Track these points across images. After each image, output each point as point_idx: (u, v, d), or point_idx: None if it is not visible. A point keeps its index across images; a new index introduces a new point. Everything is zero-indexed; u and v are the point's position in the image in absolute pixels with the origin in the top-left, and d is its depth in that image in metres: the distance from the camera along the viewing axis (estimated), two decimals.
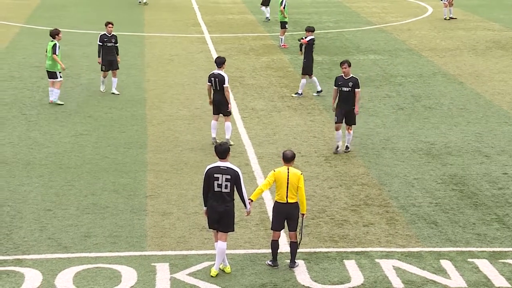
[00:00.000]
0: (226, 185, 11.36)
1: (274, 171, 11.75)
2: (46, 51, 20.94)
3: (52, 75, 20.74)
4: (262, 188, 11.74)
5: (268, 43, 29.91)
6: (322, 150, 17.52)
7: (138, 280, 11.41)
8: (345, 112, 16.87)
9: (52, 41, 20.76)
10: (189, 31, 32.53)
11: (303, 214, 11.82)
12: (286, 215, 11.70)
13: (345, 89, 16.76)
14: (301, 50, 22.55)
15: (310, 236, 12.94)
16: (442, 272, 11.82)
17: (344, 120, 16.93)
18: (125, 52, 27.93)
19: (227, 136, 17.42)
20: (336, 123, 16.93)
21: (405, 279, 11.58)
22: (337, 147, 16.98)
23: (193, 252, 12.34)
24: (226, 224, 11.51)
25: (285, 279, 11.52)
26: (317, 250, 12.47)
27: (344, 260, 12.12)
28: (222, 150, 11.49)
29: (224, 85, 17.19)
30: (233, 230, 11.71)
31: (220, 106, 17.43)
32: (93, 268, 11.75)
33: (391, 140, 18.25)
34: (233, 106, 21.01)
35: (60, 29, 21.48)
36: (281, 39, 29.03)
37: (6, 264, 11.85)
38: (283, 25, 28.88)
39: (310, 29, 22.40)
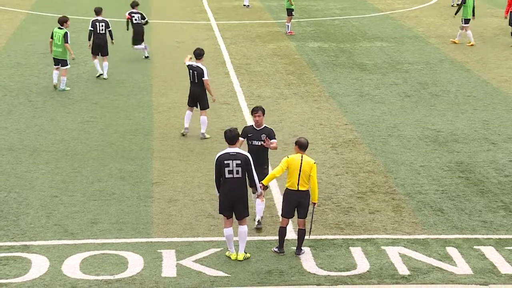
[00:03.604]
0: (237, 171, 11.41)
1: (288, 157, 11.69)
2: (52, 38, 20.80)
3: (62, 62, 20.74)
4: (275, 173, 11.72)
5: (275, 30, 29.83)
6: (328, 137, 17.50)
7: (145, 267, 11.45)
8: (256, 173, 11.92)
9: (60, 28, 20.74)
10: (195, 18, 32.47)
11: (314, 203, 11.82)
12: (297, 202, 11.69)
13: (256, 143, 12.61)
14: (127, 25, 24.41)
15: (316, 223, 12.94)
16: (448, 259, 11.82)
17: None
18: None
19: (203, 130, 17.24)
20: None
21: (411, 266, 11.59)
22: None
23: (199, 239, 12.37)
24: (241, 210, 11.60)
25: (291, 266, 11.54)
26: (323, 237, 12.48)
27: (350, 247, 12.13)
28: (232, 136, 11.54)
29: (203, 79, 16.90)
30: (248, 215, 11.80)
31: (197, 99, 17.17)
32: (100, 255, 11.80)
33: (397, 127, 18.22)
34: (239, 93, 21.03)
35: (68, 17, 21.49)
36: (288, 26, 28.96)
37: (13, 250, 11.91)
38: (289, 12, 28.81)
39: (133, 4, 23.95)
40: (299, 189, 11.62)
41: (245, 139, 12.67)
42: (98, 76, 22.24)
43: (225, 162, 11.41)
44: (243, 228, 11.61)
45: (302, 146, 11.71)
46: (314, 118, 18.91)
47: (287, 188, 11.76)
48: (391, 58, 25.22)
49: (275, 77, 22.72)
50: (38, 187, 14.40)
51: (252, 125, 12.74)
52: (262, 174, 12.30)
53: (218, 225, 12.72)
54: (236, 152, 11.48)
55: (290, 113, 19.27)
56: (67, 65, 20.86)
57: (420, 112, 19.44)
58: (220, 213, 11.80)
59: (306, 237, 11.97)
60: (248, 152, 12.07)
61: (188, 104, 17.41)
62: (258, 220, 12.58)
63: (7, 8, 33.63)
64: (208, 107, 17.35)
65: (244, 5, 35.06)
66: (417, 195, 14.27)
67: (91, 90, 21.15)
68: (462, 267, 11.58)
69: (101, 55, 22.33)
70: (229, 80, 22.37)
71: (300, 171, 11.55)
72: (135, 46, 24.35)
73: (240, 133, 12.03)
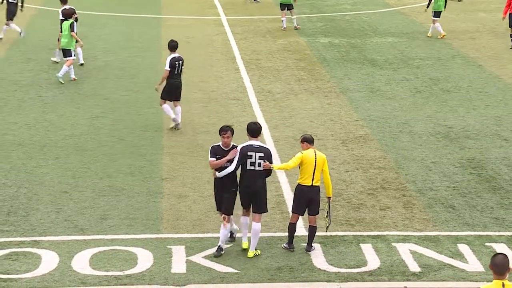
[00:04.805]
0: (259, 163, 11.48)
1: (302, 153, 11.62)
2: (61, 31, 21.49)
3: (67, 53, 21.12)
4: (287, 167, 11.79)
5: (285, 25, 29.70)
6: (339, 133, 17.42)
7: (154, 263, 11.42)
8: (223, 195, 11.64)
9: (68, 20, 21.27)
10: (205, 13, 32.41)
11: (329, 197, 11.78)
12: (309, 199, 11.64)
13: (226, 164, 11.58)
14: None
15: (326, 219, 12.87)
16: (459, 256, 11.73)
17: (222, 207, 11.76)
18: (142, 35, 27.91)
19: (179, 120, 17.29)
20: (218, 210, 11.94)
21: (422, 263, 11.51)
22: (220, 248, 11.65)
23: (209, 235, 12.32)
24: (260, 204, 11.61)
25: (301, 262, 11.48)
26: (334, 233, 12.41)
27: (360, 244, 12.06)
28: (256, 128, 11.66)
29: (183, 66, 17.17)
30: (267, 211, 11.80)
31: (178, 90, 17.23)
32: (109, 250, 11.78)
33: (408, 123, 18.11)
34: (249, 89, 20.99)
35: (74, 9, 21.99)
36: (294, 20, 28.91)
37: (23, 246, 11.90)
38: (290, 6, 28.71)
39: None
40: (313, 184, 11.57)
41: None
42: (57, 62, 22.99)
43: (248, 153, 11.48)
44: (257, 226, 11.58)
45: (310, 141, 11.73)
46: (324, 114, 18.83)
47: (299, 184, 11.69)
48: (402, 53, 25.08)
49: (285, 73, 22.64)
50: (48, 183, 14.40)
51: (219, 145, 11.64)
52: (231, 196, 11.58)
53: None
54: (259, 145, 11.60)
55: (301, 109, 19.20)
56: (71, 55, 21.08)
57: (432, 108, 19.32)
58: (242, 206, 11.74)
59: (321, 233, 11.90)
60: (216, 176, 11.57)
61: (167, 99, 17.31)
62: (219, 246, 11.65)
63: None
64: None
65: (254, 0, 34.97)
66: (428, 191, 14.17)
67: (101, 86, 21.15)
68: (473, 264, 11.49)
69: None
70: (239, 76, 22.31)
71: (315, 166, 11.51)
72: (9, 23, 25.30)
73: (210, 154, 11.65)
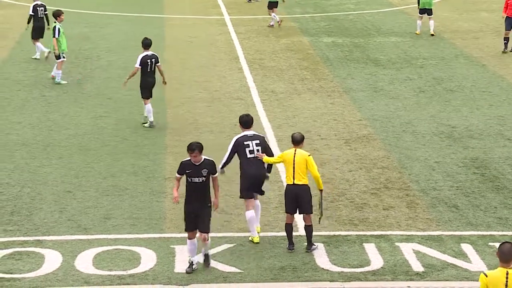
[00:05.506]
0: (257, 150, 11.99)
1: (282, 152, 12.08)
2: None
3: (56, 55, 21.09)
4: (273, 161, 12.10)
5: (288, 25, 29.72)
6: (342, 133, 17.41)
7: (157, 262, 11.43)
8: (197, 211, 11.07)
9: (54, 22, 21.03)
10: (208, 13, 32.43)
11: (321, 190, 11.84)
12: (295, 196, 11.71)
13: (196, 179, 11.06)
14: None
15: (329, 219, 12.87)
16: (462, 256, 11.73)
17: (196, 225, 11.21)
18: (145, 34, 27.88)
19: (152, 119, 17.46)
20: (186, 230, 11.27)
21: (425, 262, 11.50)
22: (192, 263, 11.15)
23: (212, 234, 12.26)
24: (259, 189, 12.16)
25: (304, 262, 11.48)
26: (337, 233, 12.42)
27: (363, 244, 12.06)
28: (248, 120, 12.20)
29: (158, 64, 17.31)
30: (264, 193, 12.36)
31: (152, 88, 17.41)
32: (113, 250, 11.79)
33: (412, 123, 18.10)
34: (253, 88, 20.98)
35: (62, 10, 21.75)
36: (272, 18, 28.99)
37: (27, 245, 11.92)
38: (271, 4, 28.73)
39: None
40: (295, 183, 11.66)
41: (183, 176, 11.20)
42: (40, 56, 23.41)
43: (245, 143, 11.97)
44: (258, 202, 12.24)
45: (293, 140, 11.90)
46: (327, 113, 18.82)
47: (286, 183, 11.90)
48: (406, 53, 25.06)
49: (288, 72, 22.63)
50: (51, 182, 14.41)
51: (190, 160, 11.12)
52: (206, 212, 11.13)
53: (231, 221, 12.68)
54: (253, 134, 12.13)
55: (304, 109, 19.20)
56: (60, 58, 21.00)
57: (435, 107, 19.30)
58: (242, 197, 12.11)
59: (325, 233, 11.89)
60: (188, 191, 11.09)
61: (145, 97, 17.45)
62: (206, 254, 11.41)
63: (20, 3, 33.72)
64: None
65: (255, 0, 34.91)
66: (431, 191, 14.16)
67: (104, 85, 21.17)
68: (477, 264, 11.48)
69: (40, 38, 23.07)
70: (242, 75, 22.31)
71: (294, 164, 11.57)
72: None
73: (177, 169, 11.23)
